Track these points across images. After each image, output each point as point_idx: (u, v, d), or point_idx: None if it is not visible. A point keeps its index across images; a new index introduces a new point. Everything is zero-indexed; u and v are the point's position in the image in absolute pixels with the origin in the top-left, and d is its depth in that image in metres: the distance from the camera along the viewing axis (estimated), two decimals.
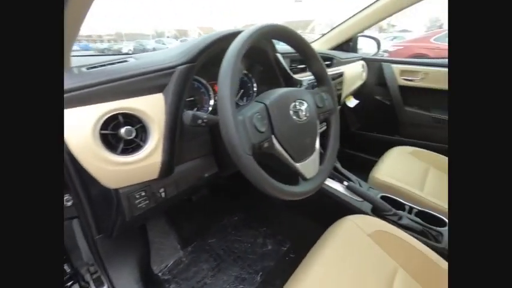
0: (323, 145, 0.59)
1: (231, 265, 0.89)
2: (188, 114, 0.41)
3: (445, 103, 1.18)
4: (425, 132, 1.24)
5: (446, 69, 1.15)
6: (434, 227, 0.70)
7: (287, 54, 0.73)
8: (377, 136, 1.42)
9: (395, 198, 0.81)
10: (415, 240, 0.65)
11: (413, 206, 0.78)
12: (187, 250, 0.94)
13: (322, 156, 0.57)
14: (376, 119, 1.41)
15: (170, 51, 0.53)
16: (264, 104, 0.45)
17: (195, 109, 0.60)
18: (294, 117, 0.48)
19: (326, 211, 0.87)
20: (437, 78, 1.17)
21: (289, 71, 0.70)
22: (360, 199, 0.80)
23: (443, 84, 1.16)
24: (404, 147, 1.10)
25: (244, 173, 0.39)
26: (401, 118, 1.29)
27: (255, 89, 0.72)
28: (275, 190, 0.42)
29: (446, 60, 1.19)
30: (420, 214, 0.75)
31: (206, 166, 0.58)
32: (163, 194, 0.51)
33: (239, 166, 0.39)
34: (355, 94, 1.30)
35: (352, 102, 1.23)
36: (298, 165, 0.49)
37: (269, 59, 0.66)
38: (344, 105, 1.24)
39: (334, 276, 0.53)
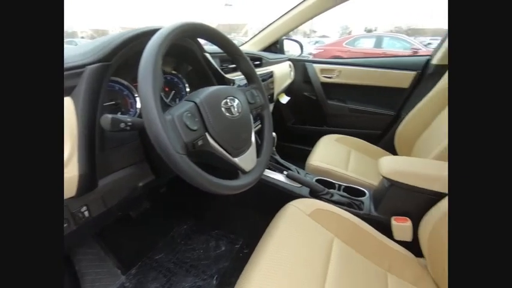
0: (259, 139, 0.63)
1: (184, 276, 0.84)
2: (107, 118, 0.37)
3: (357, 95, 1.42)
4: (345, 120, 1.46)
5: (355, 67, 1.39)
6: (357, 198, 0.84)
7: (216, 54, 0.74)
8: (309, 128, 1.59)
9: (327, 179, 0.92)
10: (345, 211, 0.76)
11: (341, 183, 0.91)
12: (131, 273, 0.84)
13: (259, 149, 0.61)
14: (306, 113, 1.57)
15: (79, 48, 0.46)
16: (193, 102, 0.44)
17: (119, 113, 0.54)
18: (227, 113, 0.49)
19: (271, 201, 0.92)
20: (349, 75, 1.40)
21: (220, 70, 0.71)
22: (299, 185, 0.88)
23: (354, 80, 1.40)
24: (331, 135, 1.27)
25: (179, 173, 0.38)
26: (326, 110, 1.48)
27: (187, 89, 0.71)
28: (214, 186, 0.42)
29: (355, 60, 1.43)
30: (346, 189, 0.88)
31: (140, 174, 0.54)
32: (86, 213, 0.44)
33: (172, 166, 0.37)
34: (286, 91, 1.42)
35: (284, 99, 1.34)
36: (236, 159, 0.51)
37: (198, 58, 0.66)
38: (278, 102, 1.33)
39: (282, 259, 0.57)
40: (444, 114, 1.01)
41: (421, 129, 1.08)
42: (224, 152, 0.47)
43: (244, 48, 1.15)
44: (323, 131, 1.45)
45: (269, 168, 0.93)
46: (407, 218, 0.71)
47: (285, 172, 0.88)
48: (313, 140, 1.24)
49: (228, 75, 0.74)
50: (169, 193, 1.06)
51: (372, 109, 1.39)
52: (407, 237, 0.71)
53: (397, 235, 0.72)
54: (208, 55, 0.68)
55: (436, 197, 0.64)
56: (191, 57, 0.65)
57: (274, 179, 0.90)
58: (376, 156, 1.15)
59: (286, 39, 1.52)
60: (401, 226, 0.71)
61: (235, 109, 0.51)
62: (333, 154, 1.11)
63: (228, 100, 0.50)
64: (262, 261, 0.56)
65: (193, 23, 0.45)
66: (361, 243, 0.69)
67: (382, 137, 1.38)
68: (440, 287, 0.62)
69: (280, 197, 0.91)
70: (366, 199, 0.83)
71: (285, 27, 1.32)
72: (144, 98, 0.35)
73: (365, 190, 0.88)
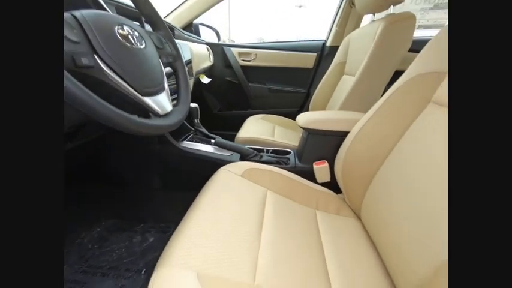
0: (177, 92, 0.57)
1: (99, 282, 0.67)
2: None
3: (274, 77, 1.54)
4: (266, 101, 1.55)
5: (268, 51, 1.50)
6: (284, 156, 0.89)
7: (112, 2, 0.63)
8: (235, 113, 1.61)
9: (255, 147, 0.94)
10: (274, 167, 0.78)
11: (268, 148, 0.95)
12: None
13: (177, 100, 0.55)
14: (231, 98, 1.59)
15: None
16: (71, 14, 0.35)
17: None
18: (125, 42, 0.41)
19: (202, 175, 0.86)
20: (264, 57, 1.51)
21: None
22: (229, 153, 0.86)
23: (269, 62, 1.51)
24: (256, 115, 1.33)
25: (70, 101, 0.28)
26: (248, 93, 1.54)
27: None
28: (125, 120, 0.34)
29: (267, 44, 1.55)
30: (274, 152, 0.93)
31: None
32: None
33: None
34: (208, 75, 1.39)
35: (205, 80, 1.31)
36: (146, 99, 0.43)
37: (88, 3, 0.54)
38: (200, 83, 1.29)
39: (215, 216, 0.53)
40: (339, 84, 1.22)
41: (326, 100, 1.27)
42: (125, 85, 0.39)
43: None
44: (248, 114, 1.50)
45: (195, 141, 0.88)
46: (325, 161, 0.80)
47: (213, 140, 0.85)
48: (240, 124, 1.26)
49: None
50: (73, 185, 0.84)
51: (287, 88, 1.53)
52: (327, 177, 0.80)
53: (319, 178, 0.80)
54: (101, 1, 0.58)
55: (344, 136, 0.75)
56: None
57: (203, 150, 0.85)
58: (297, 129, 1.27)
59: (202, 25, 1.50)
60: (321, 168, 0.79)
61: (136, 40, 0.44)
62: (259, 129, 1.15)
63: (124, 27, 0.42)
64: (193, 224, 0.50)
65: None
66: (291, 191, 0.73)
67: (299, 113, 1.55)
68: (356, 213, 0.71)
69: (210, 168, 0.86)
70: (291, 156, 0.90)
71: (196, 9, 1.30)
72: None
73: (290, 150, 0.94)
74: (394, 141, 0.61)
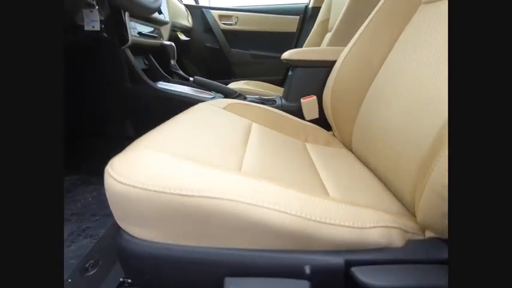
0: None
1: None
2: None
3: (257, 42, 1.48)
4: (250, 69, 1.50)
5: (250, 14, 1.45)
6: (271, 97, 0.84)
7: None
8: (218, 81, 1.54)
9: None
10: (261, 104, 0.73)
11: (253, 96, 0.90)
12: None
13: None
14: (212, 65, 1.51)
15: None
16: None
17: None
18: None
19: None
20: (246, 21, 1.45)
21: None
22: (210, 94, 0.79)
23: (252, 26, 1.46)
24: (238, 81, 1.27)
25: None
26: (230, 59, 1.47)
27: None
28: None
29: (248, 6, 1.50)
30: (258, 98, 0.87)
31: None
32: None
33: None
34: (186, 35, 1.31)
35: (183, 37, 1.23)
36: None
37: None
38: (178, 41, 1.20)
39: (187, 127, 0.45)
40: (323, 43, 1.20)
41: None
42: None
43: None
44: (230, 83, 1.44)
45: (172, 83, 0.80)
46: (313, 95, 0.76)
47: (191, 78, 0.77)
48: None
49: None
50: None
51: (270, 53, 1.49)
52: (315, 113, 0.76)
53: (307, 115, 0.76)
54: None
55: (331, 67, 0.71)
56: None
57: (182, 91, 0.77)
58: (281, 92, 1.23)
59: None
60: (308, 102, 0.75)
61: None
62: (241, 87, 1.10)
63: None
64: (163, 127, 0.42)
65: None
66: (279, 124, 0.68)
67: (285, 80, 1.51)
68: (346, 145, 0.68)
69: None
70: (277, 98, 0.85)
71: None
72: None
73: (275, 97, 0.90)
74: (384, 55, 0.58)
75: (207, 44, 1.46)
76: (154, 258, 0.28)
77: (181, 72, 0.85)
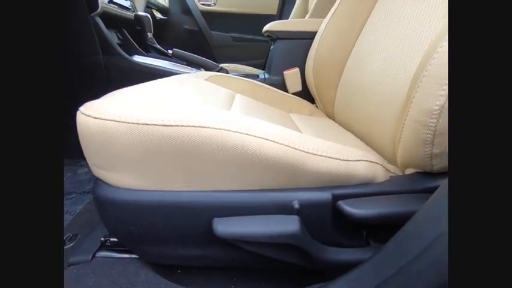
0: None
1: None
2: None
3: (237, 24, 1.45)
4: (231, 52, 1.47)
5: None
6: (254, 73, 0.83)
7: None
8: None
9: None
10: (243, 78, 0.72)
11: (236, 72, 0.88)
12: None
13: None
14: (191, 49, 1.46)
15: None
16: None
17: None
18: None
19: None
20: (225, 2, 1.41)
21: None
22: (192, 69, 0.76)
23: (231, 8, 1.42)
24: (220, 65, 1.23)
25: None
26: (210, 42, 1.43)
27: None
28: None
29: None
30: (240, 73, 0.86)
31: None
32: None
33: None
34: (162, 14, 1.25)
35: (159, 15, 1.17)
36: None
37: None
38: (153, 18, 1.14)
39: (168, 87, 0.43)
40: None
41: None
42: None
43: None
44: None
45: (149, 57, 0.75)
46: (296, 67, 0.76)
47: (170, 51, 0.74)
48: None
49: None
50: None
51: (252, 36, 1.47)
52: (298, 86, 0.76)
53: (290, 87, 0.76)
54: None
55: (312, 39, 0.71)
56: None
57: (160, 65, 0.73)
58: None
59: None
60: (291, 73, 0.75)
61: None
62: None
63: None
64: (145, 88, 0.40)
65: None
66: (263, 96, 0.68)
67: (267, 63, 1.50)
68: (329, 116, 0.69)
69: None
70: (260, 73, 0.84)
71: None
72: None
73: (258, 72, 0.89)
74: (363, 19, 0.59)
75: (185, 26, 1.40)
76: (139, 207, 0.26)
77: (158, 46, 0.81)
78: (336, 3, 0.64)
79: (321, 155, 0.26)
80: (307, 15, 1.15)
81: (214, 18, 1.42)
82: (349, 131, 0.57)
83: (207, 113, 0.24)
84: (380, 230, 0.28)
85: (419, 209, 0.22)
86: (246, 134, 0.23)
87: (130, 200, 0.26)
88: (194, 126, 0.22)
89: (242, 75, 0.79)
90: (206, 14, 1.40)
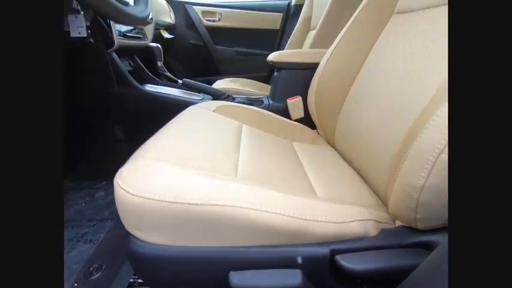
0: None
1: None
2: None
3: (241, 39, 1.49)
4: (234, 66, 1.51)
5: (234, 10, 1.45)
6: (258, 97, 0.87)
7: None
8: (202, 80, 1.53)
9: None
10: (250, 106, 0.76)
11: (240, 96, 0.92)
12: None
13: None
14: (196, 63, 1.51)
15: None
16: None
17: None
18: None
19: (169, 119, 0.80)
20: (230, 17, 1.45)
21: None
22: (199, 96, 0.81)
23: (235, 23, 1.46)
24: (225, 79, 1.28)
25: None
26: (215, 57, 1.47)
27: None
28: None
29: (231, 2, 1.49)
30: (245, 98, 0.90)
31: None
32: None
33: None
34: (169, 32, 1.29)
35: (167, 35, 1.21)
36: None
37: None
38: (161, 39, 1.18)
39: (184, 134, 0.48)
40: (306, 41, 1.23)
41: None
42: None
43: None
44: (216, 80, 1.44)
45: (160, 85, 0.80)
46: (298, 96, 0.80)
47: (180, 81, 0.78)
48: None
49: None
50: None
51: (255, 50, 1.51)
52: (301, 113, 0.80)
53: (293, 114, 0.80)
54: None
55: (315, 69, 0.75)
56: None
57: (170, 93, 0.78)
58: (267, 90, 1.26)
59: None
60: (294, 102, 0.79)
61: None
62: (230, 87, 1.11)
63: None
64: (162, 136, 0.45)
65: None
66: (267, 125, 0.72)
67: (269, 77, 1.54)
68: (329, 142, 0.73)
69: (179, 113, 0.80)
70: (264, 98, 0.88)
71: None
72: None
73: (262, 97, 0.93)
74: (363, 58, 0.63)
75: (191, 41, 1.45)
76: (166, 260, 0.31)
77: (169, 74, 0.86)
78: (337, 40, 0.68)
79: (319, 221, 0.30)
80: (310, 36, 1.18)
81: (218, 33, 1.45)
82: (347, 160, 0.62)
83: (225, 189, 0.29)
84: (372, 278, 0.33)
85: (417, 268, 0.26)
86: (259, 210, 0.28)
87: (159, 254, 0.31)
88: (215, 204, 0.27)
89: (247, 101, 0.84)
90: (211, 29, 1.44)
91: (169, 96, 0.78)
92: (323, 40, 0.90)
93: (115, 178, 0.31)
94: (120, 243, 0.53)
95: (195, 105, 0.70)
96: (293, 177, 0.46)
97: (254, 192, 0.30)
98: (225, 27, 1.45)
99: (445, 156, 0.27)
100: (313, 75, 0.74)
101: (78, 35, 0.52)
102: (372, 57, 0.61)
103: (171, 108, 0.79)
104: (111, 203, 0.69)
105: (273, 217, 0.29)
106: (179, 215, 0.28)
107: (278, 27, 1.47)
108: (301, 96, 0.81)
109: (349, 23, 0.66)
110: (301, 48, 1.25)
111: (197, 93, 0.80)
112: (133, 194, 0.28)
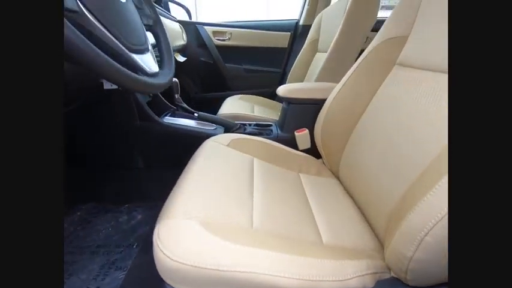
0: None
1: (89, 260, 0.65)
2: None
3: (249, 57, 1.54)
4: (243, 82, 1.56)
5: (243, 30, 1.50)
6: (266, 128, 0.93)
7: None
8: (213, 95, 1.60)
9: (237, 122, 0.96)
10: (258, 137, 0.82)
11: (250, 122, 0.98)
12: None
13: (160, 65, 0.54)
14: (207, 80, 1.57)
15: None
16: None
17: None
18: None
19: (186, 150, 0.87)
20: (239, 37, 1.50)
21: None
22: (213, 126, 0.87)
23: (244, 42, 1.51)
24: (234, 96, 1.33)
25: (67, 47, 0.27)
26: (225, 74, 1.53)
27: None
28: (121, 74, 0.34)
29: (241, 22, 1.54)
30: (256, 125, 0.96)
31: None
32: None
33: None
34: (182, 54, 1.35)
35: (180, 58, 1.27)
36: (134, 56, 0.43)
37: None
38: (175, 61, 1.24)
39: (209, 177, 0.55)
40: (313, 61, 1.28)
41: (301, 78, 1.32)
42: (112, 37, 0.38)
43: None
44: (226, 96, 1.50)
45: (177, 117, 0.87)
46: (305, 128, 0.85)
47: (196, 114, 0.85)
48: (218, 106, 1.26)
49: None
50: None
51: (263, 68, 1.56)
52: (307, 144, 0.86)
53: (300, 145, 0.86)
54: None
55: (322, 104, 0.80)
56: None
57: (186, 124, 0.84)
58: (275, 107, 1.31)
59: (171, 1, 1.43)
60: (301, 135, 0.84)
61: None
62: (239, 107, 1.17)
63: None
64: (188, 184, 0.52)
65: None
66: (276, 157, 0.78)
67: (275, 93, 1.59)
68: (334, 173, 0.78)
69: (194, 142, 0.86)
70: (273, 127, 0.94)
71: None
72: None
73: (271, 123, 0.98)
74: (366, 102, 0.68)
75: (202, 59, 1.50)
76: None
77: (185, 105, 0.92)
78: (343, 80, 0.73)
79: (323, 280, 0.36)
80: (316, 58, 1.22)
81: (228, 51, 1.51)
82: (350, 194, 0.67)
83: (248, 256, 0.35)
84: None
85: None
86: (275, 275, 0.34)
87: None
88: (240, 271, 0.34)
89: (256, 130, 0.89)
90: (220, 48, 1.49)
91: (186, 127, 0.84)
92: (329, 74, 0.96)
93: (154, 238, 0.38)
94: (149, 271, 0.60)
95: (211, 139, 0.76)
96: (301, 222, 0.52)
97: (271, 258, 0.36)
98: (234, 45, 1.50)
99: (432, 234, 0.33)
100: (319, 110, 0.80)
101: (110, 87, 0.58)
102: (374, 102, 0.66)
103: (187, 138, 0.86)
104: (134, 228, 0.77)
105: (285, 281, 0.35)
106: (210, 279, 0.34)
107: (286, 46, 1.51)
108: (309, 128, 0.86)
109: (353, 66, 0.71)
110: (308, 68, 1.30)
111: (211, 124, 0.87)
112: (171, 259, 0.35)
